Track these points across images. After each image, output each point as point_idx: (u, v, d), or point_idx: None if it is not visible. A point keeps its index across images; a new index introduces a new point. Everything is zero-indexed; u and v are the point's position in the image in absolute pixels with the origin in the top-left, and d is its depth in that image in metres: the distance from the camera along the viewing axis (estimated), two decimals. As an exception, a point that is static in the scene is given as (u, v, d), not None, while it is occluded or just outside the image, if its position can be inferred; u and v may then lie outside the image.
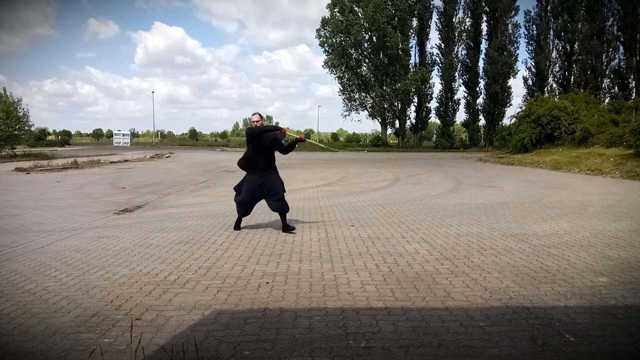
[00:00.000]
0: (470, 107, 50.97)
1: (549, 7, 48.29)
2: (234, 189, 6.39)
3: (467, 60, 50.49)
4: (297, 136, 6.62)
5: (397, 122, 52.60)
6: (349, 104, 50.49)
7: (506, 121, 44.14)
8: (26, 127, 28.34)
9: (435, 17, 51.18)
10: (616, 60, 45.44)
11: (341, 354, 2.62)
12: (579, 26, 45.30)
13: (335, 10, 47.44)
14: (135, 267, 4.41)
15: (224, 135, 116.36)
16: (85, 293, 3.67)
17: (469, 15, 50.45)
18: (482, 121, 51.48)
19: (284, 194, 6.24)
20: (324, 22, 48.46)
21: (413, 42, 51.17)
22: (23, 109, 27.18)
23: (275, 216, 7.46)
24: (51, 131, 72.80)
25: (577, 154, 19.77)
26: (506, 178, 14.63)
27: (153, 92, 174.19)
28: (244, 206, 6.19)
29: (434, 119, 54.20)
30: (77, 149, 45.67)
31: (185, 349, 2.64)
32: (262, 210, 8.03)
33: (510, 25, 48.03)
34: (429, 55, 52.06)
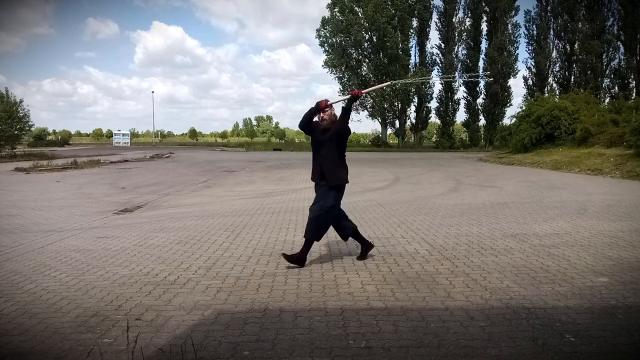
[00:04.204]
0: (470, 107, 50.91)
1: (549, 7, 48.17)
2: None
3: (467, 60, 50.44)
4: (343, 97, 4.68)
5: (397, 122, 52.59)
6: (348, 103, 50.33)
7: (506, 121, 44.08)
8: (26, 127, 28.35)
9: (435, 17, 51.10)
10: (616, 60, 45.43)
11: (341, 354, 2.62)
12: (579, 26, 45.26)
13: (335, 10, 47.38)
14: (135, 267, 4.40)
15: (224, 135, 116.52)
16: (85, 293, 3.67)
17: (469, 15, 50.37)
18: (482, 121, 51.43)
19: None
20: (324, 21, 48.41)
21: (413, 42, 51.12)
22: (24, 109, 27.27)
23: (276, 215, 7.47)
24: (51, 131, 72.95)
25: (577, 154, 19.75)
26: (506, 178, 14.62)
27: (153, 91, 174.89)
28: None
29: (434, 119, 54.15)
30: (77, 149, 45.62)
31: (184, 349, 2.63)
32: (262, 210, 8.02)
33: (510, 25, 47.97)
34: (429, 55, 51.99)
